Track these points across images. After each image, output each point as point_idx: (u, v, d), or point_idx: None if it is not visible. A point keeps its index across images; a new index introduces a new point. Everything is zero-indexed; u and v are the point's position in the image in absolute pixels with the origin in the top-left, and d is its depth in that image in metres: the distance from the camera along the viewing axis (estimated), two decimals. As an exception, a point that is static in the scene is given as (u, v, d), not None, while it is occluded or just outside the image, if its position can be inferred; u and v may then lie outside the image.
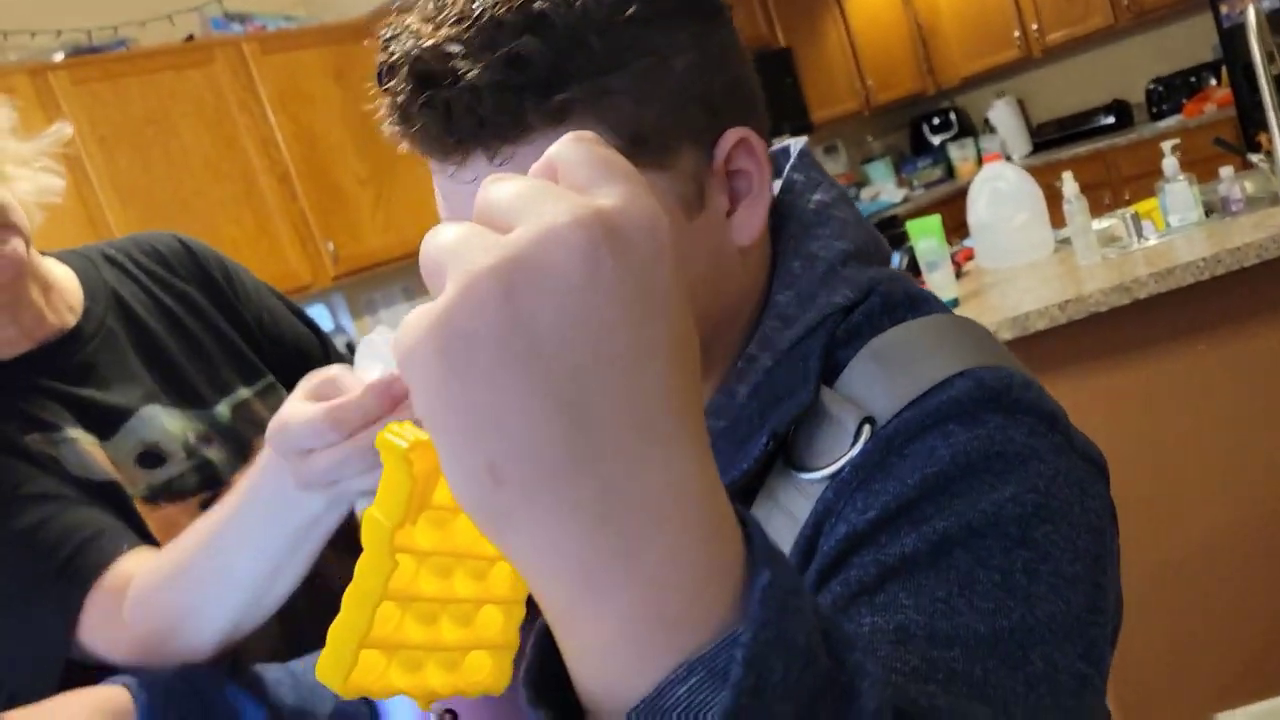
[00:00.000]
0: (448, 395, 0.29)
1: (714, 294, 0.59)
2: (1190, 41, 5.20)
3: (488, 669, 0.35)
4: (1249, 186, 2.42)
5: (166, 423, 0.96)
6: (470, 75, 0.51)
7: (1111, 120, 5.36)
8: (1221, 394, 2.08)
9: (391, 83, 0.54)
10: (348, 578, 1.13)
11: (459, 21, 0.52)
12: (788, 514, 0.56)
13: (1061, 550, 0.49)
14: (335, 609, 0.33)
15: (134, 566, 0.81)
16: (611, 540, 0.29)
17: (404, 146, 0.57)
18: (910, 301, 0.61)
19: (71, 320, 0.97)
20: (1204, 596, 2.08)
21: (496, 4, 0.51)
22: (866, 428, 0.55)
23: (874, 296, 0.61)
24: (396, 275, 4.05)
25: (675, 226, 0.56)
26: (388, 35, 0.55)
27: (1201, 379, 2.08)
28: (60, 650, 0.79)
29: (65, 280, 0.99)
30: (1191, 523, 2.08)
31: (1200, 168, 2.58)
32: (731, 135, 0.57)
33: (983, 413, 0.53)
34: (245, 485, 0.74)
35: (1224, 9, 4.51)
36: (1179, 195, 2.33)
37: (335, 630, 0.33)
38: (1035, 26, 5.38)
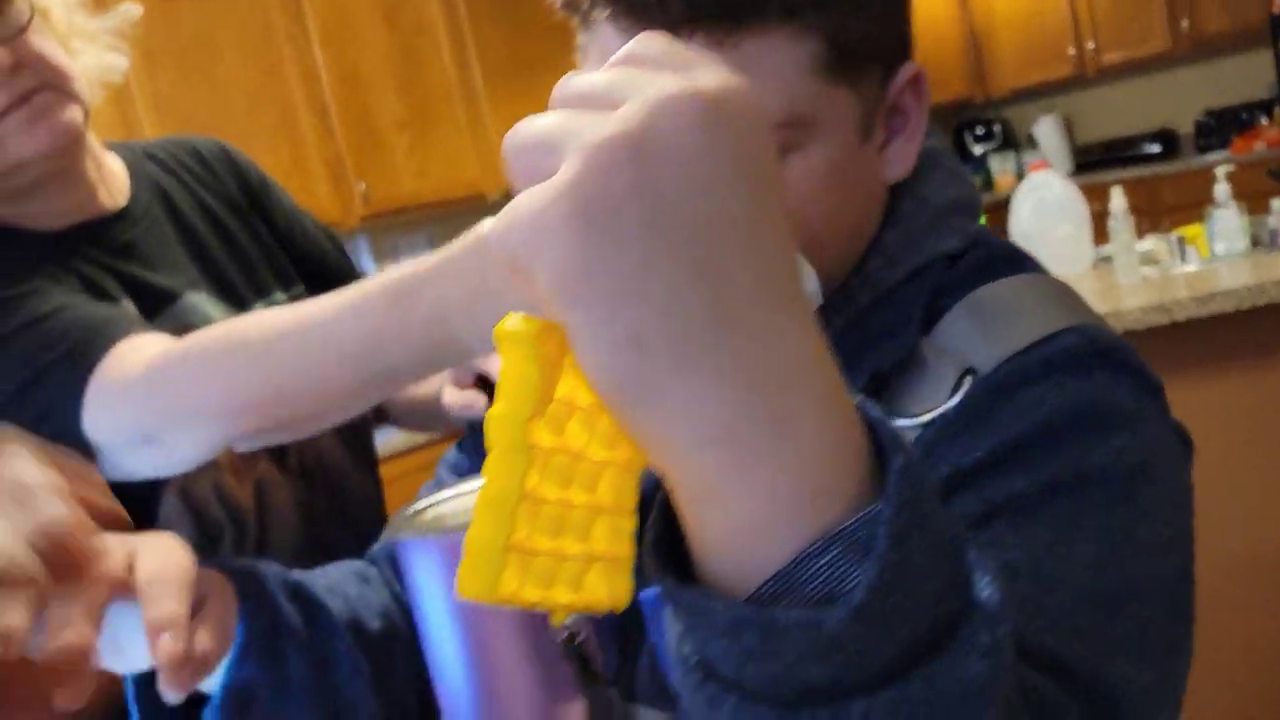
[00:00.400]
0: (588, 264, 0.28)
1: (847, 223, 0.59)
2: (1247, 76, 5.13)
3: (604, 586, 0.34)
4: (1298, 223, 2.39)
5: (210, 311, 0.95)
6: None
7: (1157, 149, 5.30)
8: (1254, 422, 2.06)
9: None
10: (364, 485, 1.09)
11: None
12: None
13: (1158, 513, 0.51)
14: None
15: (147, 345, 0.76)
16: (758, 408, 0.29)
17: (600, 13, 0.54)
18: (1012, 258, 0.62)
19: (122, 202, 0.96)
20: (1231, 620, 2.06)
21: None
22: (967, 379, 0.54)
23: (979, 249, 0.62)
24: (424, 222, 4.03)
25: (848, 148, 0.57)
26: None
27: (1234, 405, 2.06)
28: (77, 439, 0.75)
29: (114, 164, 0.99)
30: (1218, 547, 2.06)
31: (1243, 205, 2.54)
32: (909, 69, 0.59)
33: (1093, 368, 0.53)
34: (348, 299, 0.66)
35: (1286, 47, 4.45)
36: (1228, 222, 2.30)
37: (475, 537, 0.31)
38: (1092, 45, 5.31)
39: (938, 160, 0.64)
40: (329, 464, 1.01)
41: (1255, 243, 2.35)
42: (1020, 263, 0.62)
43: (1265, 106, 5.02)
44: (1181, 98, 5.40)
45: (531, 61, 4.16)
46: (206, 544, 0.90)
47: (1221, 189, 2.34)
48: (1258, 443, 2.07)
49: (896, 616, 0.29)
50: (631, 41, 0.33)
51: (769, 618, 0.29)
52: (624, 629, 0.63)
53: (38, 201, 0.90)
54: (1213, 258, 2.32)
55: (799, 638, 0.29)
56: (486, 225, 0.61)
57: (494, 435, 0.31)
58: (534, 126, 0.31)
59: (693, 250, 0.29)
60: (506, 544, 0.31)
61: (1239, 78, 5.19)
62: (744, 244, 0.29)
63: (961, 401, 0.54)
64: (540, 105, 0.33)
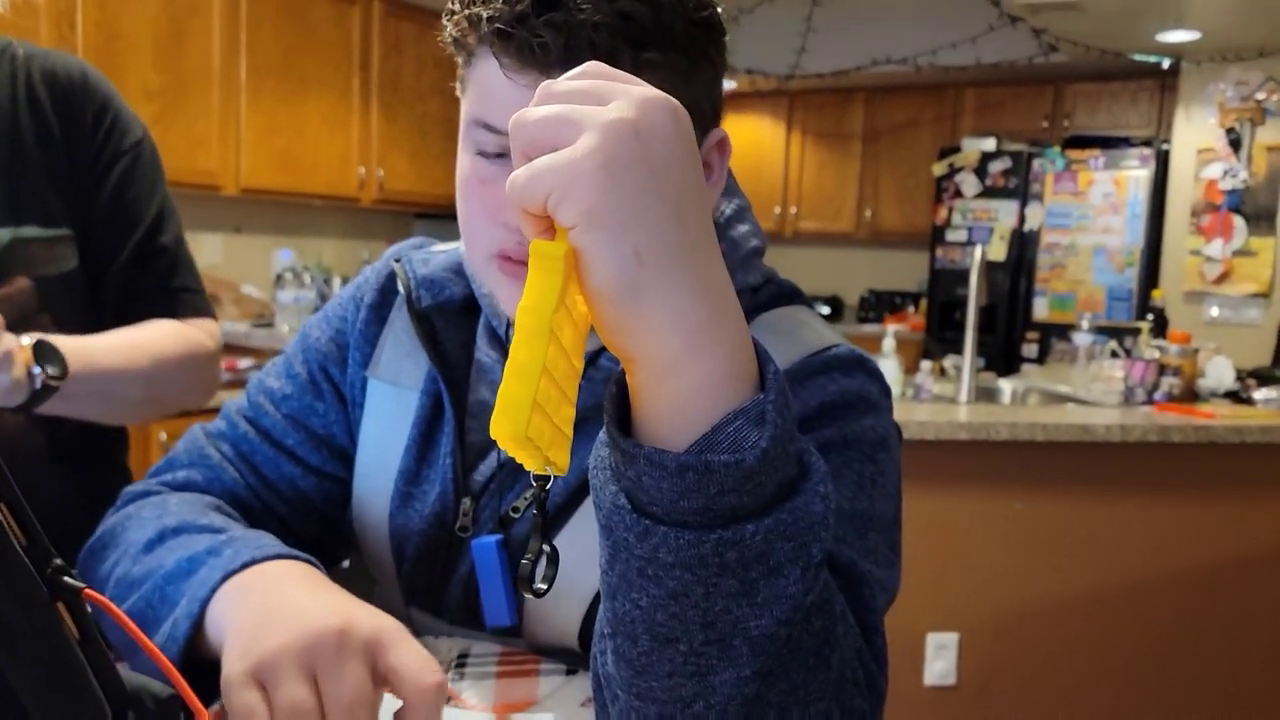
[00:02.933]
0: (610, 199, 0.41)
1: None
2: (907, 270, 6.10)
3: (561, 455, 0.43)
4: (936, 387, 2.94)
5: None
6: (589, 13, 0.62)
7: (827, 310, 6.11)
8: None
9: None
10: (54, 481, 1.19)
11: None
12: None
13: (888, 474, 0.72)
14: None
15: None
16: (708, 310, 0.43)
17: (485, 44, 0.65)
18: (793, 294, 0.83)
19: None
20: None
21: None
22: None
23: (771, 284, 0.83)
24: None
25: None
26: None
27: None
28: None
29: None
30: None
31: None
32: (717, 134, 0.72)
33: (854, 370, 0.74)
34: None
35: (939, 252, 5.36)
36: (888, 368, 2.78)
37: (508, 394, 0.40)
38: (794, 210, 6.09)
39: (744, 215, 0.83)
40: (15, 451, 1.01)
41: (902, 394, 2.86)
42: (798, 297, 0.83)
43: (915, 297, 5.98)
44: (853, 274, 6.30)
45: (303, 73, 4.15)
46: None
47: (889, 343, 2.83)
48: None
49: (779, 462, 0.44)
50: (588, 63, 0.46)
51: (705, 461, 0.43)
52: (438, 560, 0.80)
53: None
54: (872, 398, 2.79)
55: (725, 474, 0.42)
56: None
57: (524, 322, 0.41)
58: (547, 110, 0.43)
59: (671, 200, 0.42)
60: (534, 397, 0.40)
61: (900, 269, 6.16)
62: (696, 200, 0.44)
63: None
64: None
